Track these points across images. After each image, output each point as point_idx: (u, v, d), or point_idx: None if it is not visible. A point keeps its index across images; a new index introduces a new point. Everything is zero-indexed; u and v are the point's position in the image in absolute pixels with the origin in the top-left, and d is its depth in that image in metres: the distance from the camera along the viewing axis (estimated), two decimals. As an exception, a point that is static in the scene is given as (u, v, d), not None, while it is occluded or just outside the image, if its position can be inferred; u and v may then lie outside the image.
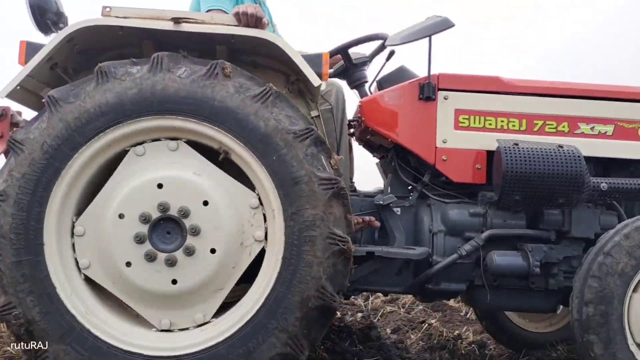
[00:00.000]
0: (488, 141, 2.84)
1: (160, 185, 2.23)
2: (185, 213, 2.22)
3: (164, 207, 2.21)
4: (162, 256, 2.21)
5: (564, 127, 2.92)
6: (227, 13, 2.72)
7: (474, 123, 2.88)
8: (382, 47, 3.28)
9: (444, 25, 2.81)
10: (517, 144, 2.71)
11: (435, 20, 2.84)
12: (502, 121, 2.89)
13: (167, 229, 2.25)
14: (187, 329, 2.29)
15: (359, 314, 4.68)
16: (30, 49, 2.32)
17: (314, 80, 2.37)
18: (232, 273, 2.29)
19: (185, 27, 2.32)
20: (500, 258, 2.71)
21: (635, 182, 2.82)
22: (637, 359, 2.44)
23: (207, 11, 2.83)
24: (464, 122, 2.88)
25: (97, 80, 2.19)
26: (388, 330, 4.25)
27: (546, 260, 2.73)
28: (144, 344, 2.22)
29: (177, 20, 2.30)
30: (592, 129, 2.92)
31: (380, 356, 3.31)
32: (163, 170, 2.26)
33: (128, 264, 2.21)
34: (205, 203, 2.24)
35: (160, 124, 2.24)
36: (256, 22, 2.38)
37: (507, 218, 2.84)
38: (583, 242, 2.81)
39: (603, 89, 3.01)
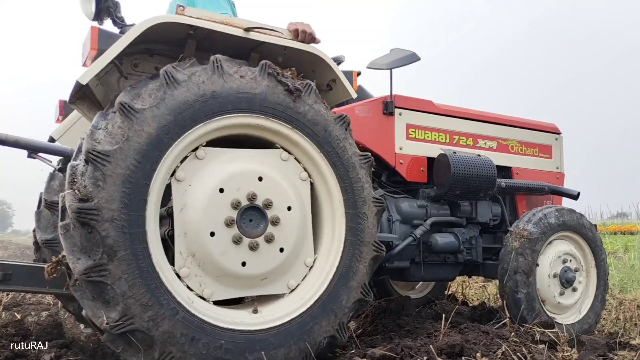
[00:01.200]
0: (428, 150, 3.71)
1: (260, 178, 2.47)
2: (269, 205, 2.46)
3: (254, 196, 2.43)
4: (246, 240, 2.40)
5: (470, 141, 3.98)
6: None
7: (418, 135, 3.72)
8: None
9: (414, 58, 3.61)
10: (455, 153, 3.61)
11: (406, 54, 3.60)
12: (434, 135, 3.80)
13: (250, 217, 2.45)
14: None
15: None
16: (102, 35, 2.37)
17: (352, 93, 2.83)
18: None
19: (253, 35, 2.56)
20: (442, 239, 3.55)
21: (520, 182, 4.04)
22: (553, 296, 3.52)
23: None
24: (412, 134, 3.69)
25: (214, 70, 2.36)
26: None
27: (463, 240, 3.66)
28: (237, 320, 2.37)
29: (248, 30, 2.53)
30: (485, 143, 4.05)
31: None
32: (267, 167, 2.52)
33: (212, 234, 2.34)
34: (289, 208, 2.52)
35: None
36: (311, 39, 2.72)
37: (439, 209, 3.69)
38: (480, 226, 3.86)
39: (490, 116, 4.16)
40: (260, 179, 2.47)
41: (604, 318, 3.70)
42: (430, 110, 3.83)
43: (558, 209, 3.67)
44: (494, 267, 3.66)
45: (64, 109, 3.37)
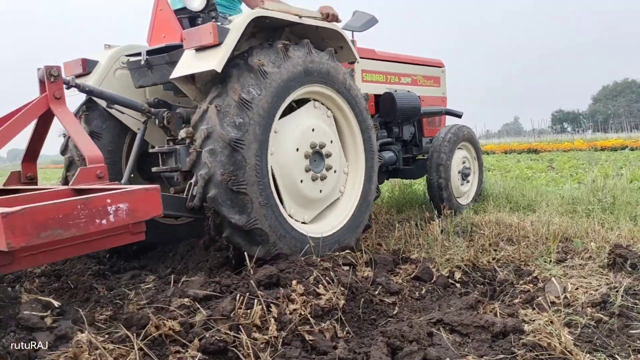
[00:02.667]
0: (374, 89, 4.87)
1: (313, 130, 3.51)
2: (322, 145, 3.55)
3: (313, 145, 3.49)
4: (317, 176, 3.53)
5: (396, 79, 5.24)
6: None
7: (367, 77, 4.84)
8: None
9: (374, 22, 4.62)
10: (396, 91, 4.95)
11: (368, 17, 4.59)
12: (377, 76, 4.97)
13: (315, 158, 3.53)
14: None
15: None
16: (220, 30, 2.97)
17: (357, 56, 3.98)
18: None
19: (305, 20, 3.48)
20: (387, 155, 4.86)
21: (429, 108, 5.57)
22: (452, 193, 5.17)
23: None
24: (364, 77, 4.82)
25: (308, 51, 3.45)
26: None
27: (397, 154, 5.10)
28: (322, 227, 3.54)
29: (300, 16, 3.44)
30: (404, 80, 5.35)
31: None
32: (313, 119, 3.56)
33: (301, 181, 3.42)
34: (331, 142, 3.64)
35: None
36: (335, 19, 3.68)
37: (382, 132, 4.93)
38: (402, 142, 5.36)
39: (407, 57, 5.45)
40: (312, 130, 3.50)
41: (390, 235, 4.23)
42: (374, 57, 4.96)
43: (460, 127, 5.33)
44: (409, 171, 5.37)
45: (87, 67, 3.73)
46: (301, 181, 3.40)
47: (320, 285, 2.65)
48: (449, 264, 3.43)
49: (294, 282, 2.61)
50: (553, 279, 2.95)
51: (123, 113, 3.67)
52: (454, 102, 6.83)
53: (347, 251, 3.34)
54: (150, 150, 3.56)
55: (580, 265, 3.27)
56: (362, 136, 3.84)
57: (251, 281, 2.55)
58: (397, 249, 3.89)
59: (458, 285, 3.19)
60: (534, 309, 2.65)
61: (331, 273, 2.79)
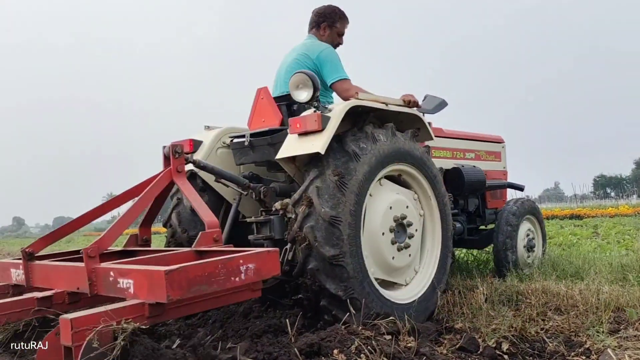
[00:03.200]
0: (441, 164, 5.01)
1: (407, 207, 3.85)
2: (409, 224, 3.85)
3: (404, 217, 3.80)
4: (401, 245, 3.76)
5: (461, 155, 5.62)
6: (348, 79, 4.27)
7: (435, 154, 5.20)
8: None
9: (444, 105, 4.77)
10: (463, 166, 5.39)
11: (439, 101, 4.73)
12: (443, 152, 5.38)
13: (399, 229, 3.79)
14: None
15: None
16: (323, 119, 3.39)
17: (432, 136, 4.30)
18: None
19: (391, 107, 3.86)
20: (455, 225, 4.94)
21: (494, 182, 5.94)
22: (524, 258, 5.49)
23: (337, 80, 4.23)
24: (433, 154, 5.12)
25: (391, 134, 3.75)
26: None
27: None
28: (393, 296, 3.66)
29: (387, 104, 3.84)
30: (468, 155, 5.74)
31: None
32: (409, 201, 3.92)
33: (382, 234, 3.65)
34: (416, 230, 3.90)
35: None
36: (415, 105, 4.17)
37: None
38: (467, 214, 5.62)
39: (469, 134, 5.84)
40: (407, 206, 3.83)
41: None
42: (441, 135, 5.35)
43: (524, 200, 5.63)
44: (474, 241, 5.67)
45: (194, 146, 4.25)
46: (390, 255, 3.70)
47: (362, 355, 2.59)
48: (495, 334, 3.31)
49: (335, 351, 2.57)
50: (609, 350, 2.81)
51: (227, 187, 4.09)
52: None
53: (390, 318, 3.27)
54: (248, 220, 3.90)
55: (635, 336, 3.11)
56: (439, 206, 4.10)
57: (295, 349, 2.52)
58: (440, 318, 3.79)
59: (506, 356, 3.06)
60: (588, 383, 2.51)
61: (373, 342, 2.73)
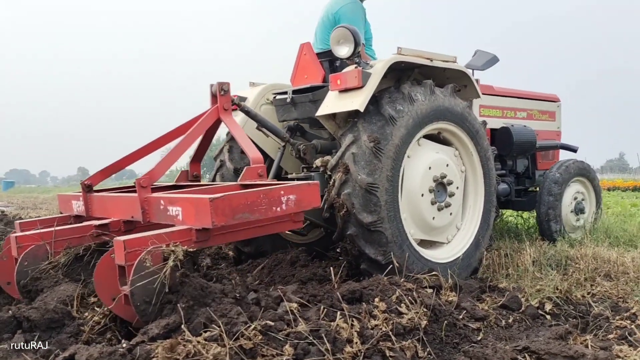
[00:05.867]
0: (490, 123, 4.83)
1: (447, 165, 3.80)
2: (450, 183, 3.83)
3: (444, 176, 3.78)
4: (442, 204, 3.77)
5: (512, 114, 5.43)
6: (362, 44, 3.92)
7: (484, 112, 5.05)
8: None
9: (495, 60, 4.84)
10: (512, 125, 5.16)
11: (490, 56, 4.81)
12: (493, 111, 5.19)
13: (439, 188, 3.78)
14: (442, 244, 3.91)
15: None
16: (364, 75, 3.37)
17: (479, 94, 4.22)
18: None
19: (435, 63, 3.76)
20: (500, 187, 4.84)
21: (545, 142, 5.69)
22: (564, 228, 5.16)
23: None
24: (482, 112, 5.03)
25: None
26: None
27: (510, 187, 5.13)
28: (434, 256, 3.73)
29: (431, 59, 3.75)
30: (519, 114, 5.50)
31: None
32: (449, 158, 3.87)
33: (422, 195, 3.66)
34: (457, 188, 3.88)
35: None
36: None
37: (496, 165, 4.71)
38: (515, 175, 5.41)
39: (522, 92, 5.61)
40: (447, 165, 3.79)
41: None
42: (491, 93, 5.19)
43: (571, 162, 5.31)
44: (521, 202, 5.47)
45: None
46: (430, 215, 3.72)
47: (402, 305, 2.65)
48: (539, 294, 3.31)
49: (376, 299, 2.64)
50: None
51: (268, 137, 4.15)
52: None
53: (433, 273, 3.32)
54: (289, 177, 3.97)
55: (686, 305, 3.04)
56: (481, 161, 4.03)
57: (337, 293, 2.62)
58: (485, 277, 3.80)
59: (548, 316, 3.07)
60: (630, 345, 2.50)
61: (414, 294, 2.78)
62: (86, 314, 2.52)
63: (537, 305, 3.17)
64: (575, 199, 5.35)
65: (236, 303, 2.35)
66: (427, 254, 3.66)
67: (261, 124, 3.93)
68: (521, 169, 5.53)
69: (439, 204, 3.74)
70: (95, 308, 2.57)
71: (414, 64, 3.67)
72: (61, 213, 3.66)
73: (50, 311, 2.42)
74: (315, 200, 2.80)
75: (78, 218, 3.44)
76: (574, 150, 5.94)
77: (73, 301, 2.57)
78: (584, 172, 5.45)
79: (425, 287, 3.07)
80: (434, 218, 3.72)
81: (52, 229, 3.02)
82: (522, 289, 3.42)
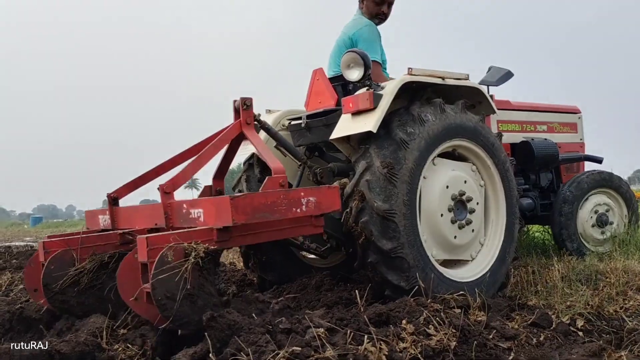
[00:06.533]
0: (509, 138, 4.99)
1: (465, 181, 3.73)
2: (469, 200, 3.75)
3: (462, 193, 3.70)
4: (462, 222, 3.70)
5: (532, 127, 5.39)
6: (380, 63, 4.25)
7: (502, 127, 5.01)
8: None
9: (510, 75, 4.81)
10: (533, 139, 5.11)
11: (504, 72, 4.78)
12: (512, 126, 5.14)
13: (458, 206, 3.71)
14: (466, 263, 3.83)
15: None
16: (375, 97, 3.35)
17: (495, 109, 4.10)
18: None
19: (448, 81, 3.69)
20: (524, 202, 4.80)
21: (568, 155, 5.59)
22: (581, 240, 5.08)
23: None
24: (500, 127, 4.99)
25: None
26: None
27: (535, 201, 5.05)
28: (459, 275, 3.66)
29: (443, 78, 3.67)
30: (540, 127, 5.45)
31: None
32: (467, 174, 3.82)
33: (455, 237, 3.66)
34: (477, 204, 3.81)
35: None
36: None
37: (519, 180, 4.80)
38: (539, 189, 5.29)
39: (540, 106, 5.57)
40: (465, 181, 3.72)
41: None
42: (508, 108, 5.18)
43: (592, 173, 5.23)
44: (547, 217, 5.19)
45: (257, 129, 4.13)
46: (452, 235, 3.66)
47: (430, 326, 2.63)
48: (570, 311, 3.24)
49: (403, 321, 2.62)
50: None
51: (286, 156, 4.15)
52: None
53: (460, 292, 3.28)
54: None
55: None
56: (500, 173, 3.95)
57: (365, 316, 2.60)
58: (514, 295, 3.74)
59: (580, 333, 3.00)
60: (668, 360, 2.43)
61: (442, 314, 2.76)
62: (116, 345, 2.55)
63: (568, 321, 3.10)
64: (597, 212, 5.18)
65: (264, 330, 2.35)
66: (452, 274, 3.60)
67: (280, 143, 3.95)
68: (545, 183, 5.44)
69: (460, 222, 3.68)
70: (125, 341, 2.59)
71: (427, 83, 3.64)
72: (87, 229, 3.72)
73: (80, 344, 2.45)
74: (335, 204, 2.89)
75: (104, 232, 3.48)
76: (598, 161, 5.81)
77: (102, 333, 2.60)
78: (604, 183, 5.26)
79: (453, 308, 3.04)
80: (455, 237, 3.67)
81: (78, 236, 3.16)
82: (552, 306, 3.36)
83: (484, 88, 4.05)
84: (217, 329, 2.30)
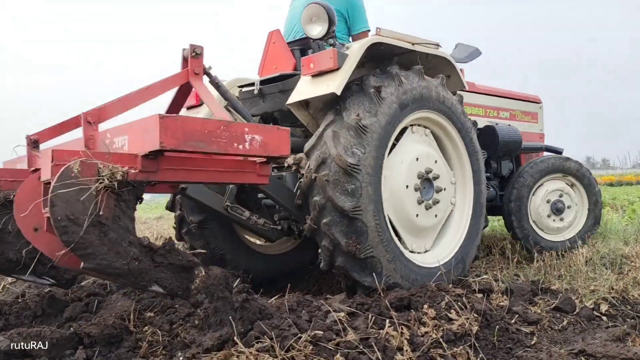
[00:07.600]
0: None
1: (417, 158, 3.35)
2: (436, 177, 3.46)
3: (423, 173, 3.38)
4: (429, 203, 3.41)
5: (495, 113, 5.13)
6: (370, 30, 3.95)
7: (467, 110, 4.40)
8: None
9: (477, 53, 4.56)
10: (497, 124, 4.81)
11: (472, 49, 4.54)
12: (476, 109, 4.92)
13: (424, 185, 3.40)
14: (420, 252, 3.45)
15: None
16: (339, 56, 3.01)
17: (465, 85, 3.92)
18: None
19: (417, 47, 3.42)
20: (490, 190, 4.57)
21: (530, 144, 5.29)
22: (533, 228, 4.73)
23: (363, 31, 3.96)
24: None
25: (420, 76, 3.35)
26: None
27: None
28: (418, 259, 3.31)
29: (413, 44, 3.41)
30: (502, 114, 5.21)
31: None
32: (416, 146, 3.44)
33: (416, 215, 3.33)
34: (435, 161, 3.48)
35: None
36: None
37: None
38: (499, 178, 5.05)
39: (505, 92, 5.32)
40: (417, 159, 3.34)
41: (528, 266, 4.06)
42: (473, 90, 4.91)
43: (545, 159, 4.89)
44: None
45: (200, 99, 3.80)
46: (416, 214, 3.35)
47: (452, 311, 2.64)
48: (594, 295, 3.22)
49: (425, 305, 2.63)
50: None
51: (236, 120, 3.64)
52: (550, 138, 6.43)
53: (483, 277, 3.28)
54: None
55: None
56: (466, 148, 3.69)
57: (386, 301, 2.62)
58: (537, 280, 3.72)
59: (604, 318, 2.98)
60: (694, 345, 2.41)
61: (464, 299, 2.76)
62: (145, 327, 2.62)
63: (592, 306, 3.08)
64: (549, 200, 4.80)
65: (287, 315, 2.39)
66: (421, 259, 3.34)
67: (230, 104, 3.40)
68: (505, 172, 5.14)
69: (427, 202, 3.40)
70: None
71: (395, 47, 3.29)
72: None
73: (109, 327, 2.51)
74: (284, 148, 2.47)
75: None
76: (558, 152, 5.47)
77: (130, 315, 2.67)
78: (565, 169, 4.88)
79: (475, 292, 3.04)
80: (417, 215, 3.36)
81: None
82: (576, 290, 3.34)
83: (454, 61, 3.78)
84: (250, 310, 2.34)
